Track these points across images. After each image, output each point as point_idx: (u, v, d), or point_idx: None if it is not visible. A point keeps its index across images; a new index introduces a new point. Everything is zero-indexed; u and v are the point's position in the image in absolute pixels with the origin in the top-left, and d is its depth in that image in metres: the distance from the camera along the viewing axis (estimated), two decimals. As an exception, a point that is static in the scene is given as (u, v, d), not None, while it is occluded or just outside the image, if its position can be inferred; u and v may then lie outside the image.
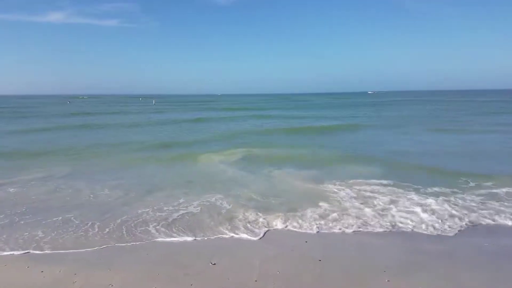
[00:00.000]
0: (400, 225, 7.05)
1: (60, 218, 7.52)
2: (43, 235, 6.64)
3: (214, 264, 5.50)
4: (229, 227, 7.02)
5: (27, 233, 6.71)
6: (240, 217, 7.52)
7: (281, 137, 21.33)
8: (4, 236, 6.61)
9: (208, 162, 13.51)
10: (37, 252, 6.01)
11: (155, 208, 8.10)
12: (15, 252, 5.99)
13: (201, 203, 8.42)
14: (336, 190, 9.23)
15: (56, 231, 6.86)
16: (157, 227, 7.06)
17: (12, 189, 9.71)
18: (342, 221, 7.21)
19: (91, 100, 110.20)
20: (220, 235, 6.70)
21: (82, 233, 6.80)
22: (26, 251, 6.02)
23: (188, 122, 33.03)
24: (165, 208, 8.06)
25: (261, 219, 7.38)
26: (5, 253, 5.97)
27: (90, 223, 7.25)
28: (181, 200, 8.62)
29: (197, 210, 7.99)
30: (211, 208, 8.07)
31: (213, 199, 8.65)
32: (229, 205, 8.22)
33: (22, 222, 7.33)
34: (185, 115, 42.92)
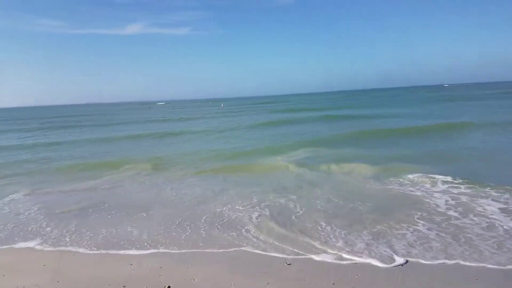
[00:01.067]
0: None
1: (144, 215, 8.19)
2: (132, 231, 7.27)
3: (289, 264, 5.55)
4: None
5: (117, 229, 7.40)
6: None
7: (394, 143, 17.12)
8: (102, 230, 7.34)
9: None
10: (125, 246, 6.54)
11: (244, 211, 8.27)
12: (104, 246, 6.57)
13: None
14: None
15: (145, 228, 7.45)
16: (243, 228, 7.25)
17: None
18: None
19: (167, 106, 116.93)
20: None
21: (166, 230, 7.29)
22: (115, 245, 6.60)
23: (266, 125, 30.22)
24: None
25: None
26: (93, 248, 6.61)
27: (176, 221, 7.73)
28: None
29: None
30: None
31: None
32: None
33: (111, 217, 8.11)
34: (258, 117, 40.98)
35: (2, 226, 7.87)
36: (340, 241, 6.32)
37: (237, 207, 8.47)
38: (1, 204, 9.56)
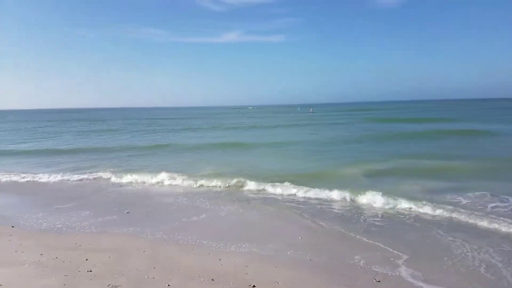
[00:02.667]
0: None
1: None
2: (224, 227, 7.79)
3: (379, 281, 5.43)
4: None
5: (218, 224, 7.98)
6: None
7: None
8: (199, 224, 7.99)
9: None
10: (215, 241, 6.99)
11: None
12: (199, 240, 7.10)
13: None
14: None
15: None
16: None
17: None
18: None
19: (258, 110, 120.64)
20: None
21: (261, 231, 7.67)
22: (207, 240, 7.08)
23: (391, 138, 25.47)
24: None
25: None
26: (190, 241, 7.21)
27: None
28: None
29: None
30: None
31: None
32: None
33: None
34: (367, 126, 37.36)
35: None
36: None
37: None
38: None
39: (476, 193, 10.04)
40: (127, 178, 12.98)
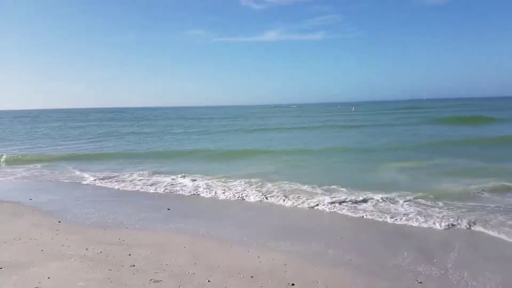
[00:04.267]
0: None
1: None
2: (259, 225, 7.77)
3: (421, 282, 5.17)
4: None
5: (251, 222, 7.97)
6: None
7: None
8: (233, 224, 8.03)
9: None
10: (254, 238, 6.98)
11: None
12: (239, 237, 7.12)
13: None
14: None
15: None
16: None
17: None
18: None
19: (296, 109, 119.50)
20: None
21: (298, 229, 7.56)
22: (247, 237, 7.09)
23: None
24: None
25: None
26: (231, 238, 7.23)
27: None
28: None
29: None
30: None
31: None
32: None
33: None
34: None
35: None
36: None
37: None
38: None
39: None
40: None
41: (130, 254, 6.21)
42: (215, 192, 10.86)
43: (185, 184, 12.16)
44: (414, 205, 8.92)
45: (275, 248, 6.53)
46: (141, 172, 14.37)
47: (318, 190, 10.52)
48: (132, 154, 21.10)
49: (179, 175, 13.34)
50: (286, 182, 11.73)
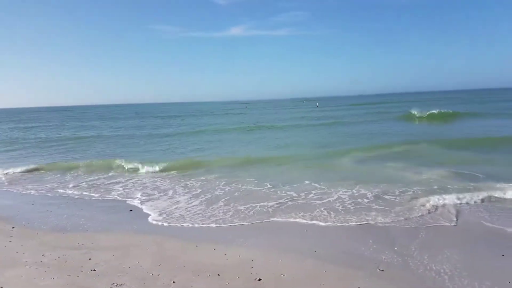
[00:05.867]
0: None
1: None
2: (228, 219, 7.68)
3: (382, 270, 5.31)
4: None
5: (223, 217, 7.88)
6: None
7: None
8: (197, 220, 7.90)
9: None
10: (222, 236, 6.92)
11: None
12: (205, 236, 7.04)
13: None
14: None
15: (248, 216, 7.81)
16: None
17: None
18: None
19: (267, 105, 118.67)
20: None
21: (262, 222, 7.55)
22: (213, 235, 7.01)
23: None
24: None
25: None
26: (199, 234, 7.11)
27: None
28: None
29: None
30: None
31: None
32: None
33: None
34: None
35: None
36: None
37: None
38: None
39: None
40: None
41: (90, 258, 5.96)
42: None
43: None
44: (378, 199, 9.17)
45: (242, 244, 6.49)
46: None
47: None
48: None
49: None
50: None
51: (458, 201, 8.33)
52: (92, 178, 13.00)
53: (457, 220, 7.33)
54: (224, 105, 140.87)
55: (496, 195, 8.54)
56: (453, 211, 7.79)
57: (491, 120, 27.34)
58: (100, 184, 12.10)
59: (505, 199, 8.30)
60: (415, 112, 32.48)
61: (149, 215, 8.46)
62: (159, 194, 10.31)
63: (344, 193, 9.52)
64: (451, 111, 32.14)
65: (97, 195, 10.62)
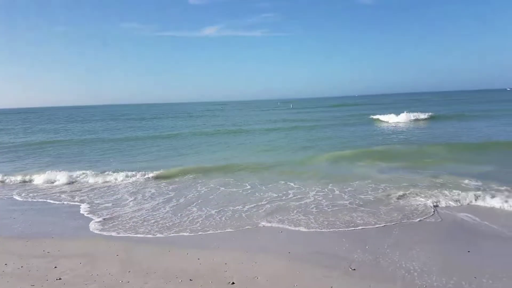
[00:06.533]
0: None
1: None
2: (205, 222, 7.57)
3: (354, 269, 5.36)
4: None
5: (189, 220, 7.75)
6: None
7: None
8: (167, 223, 7.76)
9: None
10: (195, 240, 6.82)
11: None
12: (177, 241, 6.91)
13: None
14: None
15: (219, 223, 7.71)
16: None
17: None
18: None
19: (240, 106, 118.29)
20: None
21: (237, 226, 7.48)
22: (185, 240, 6.89)
23: None
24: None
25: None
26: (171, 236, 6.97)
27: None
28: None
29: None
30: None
31: None
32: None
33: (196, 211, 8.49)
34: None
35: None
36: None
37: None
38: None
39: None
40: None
41: (56, 267, 5.72)
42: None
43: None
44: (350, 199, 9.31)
45: (216, 248, 6.39)
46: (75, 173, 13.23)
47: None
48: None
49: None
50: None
51: (425, 200, 8.56)
52: (55, 185, 12.38)
53: (425, 217, 7.52)
54: (200, 106, 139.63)
55: (460, 192, 8.84)
56: (421, 209, 8.00)
57: (463, 123, 28.20)
58: (65, 191, 11.48)
59: (467, 195, 8.58)
60: (378, 116, 34.38)
61: (118, 220, 8.23)
62: (129, 200, 9.99)
63: (318, 193, 9.69)
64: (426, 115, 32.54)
65: (61, 202, 10.20)
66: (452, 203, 8.27)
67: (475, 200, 8.34)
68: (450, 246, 6.14)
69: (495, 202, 8.08)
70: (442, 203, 8.30)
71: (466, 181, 9.83)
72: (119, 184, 11.96)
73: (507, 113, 34.19)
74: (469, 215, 7.54)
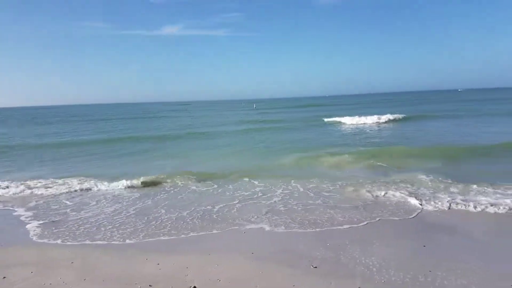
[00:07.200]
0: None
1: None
2: (162, 229, 7.38)
3: (315, 267, 5.42)
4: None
5: (145, 225, 7.52)
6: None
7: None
8: (128, 229, 7.49)
9: None
10: (155, 245, 6.63)
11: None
12: (136, 246, 6.68)
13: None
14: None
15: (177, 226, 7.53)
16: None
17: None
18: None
19: (207, 106, 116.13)
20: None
21: (196, 229, 7.35)
22: (146, 245, 6.69)
23: None
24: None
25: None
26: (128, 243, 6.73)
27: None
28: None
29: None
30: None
31: None
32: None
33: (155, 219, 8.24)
34: None
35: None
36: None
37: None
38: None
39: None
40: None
41: (4, 277, 5.38)
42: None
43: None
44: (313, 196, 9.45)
45: (177, 252, 6.23)
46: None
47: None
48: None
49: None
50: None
51: (384, 197, 8.87)
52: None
53: (385, 214, 7.75)
54: (162, 106, 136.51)
55: (416, 189, 9.22)
56: (381, 207, 8.25)
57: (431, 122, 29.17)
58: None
59: (421, 192, 8.96)
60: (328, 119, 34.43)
61: (71, 227, 7.82)
62: (83, 206, 9.47)
63: (283, 191, 9.82)
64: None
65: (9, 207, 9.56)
66: (410, 200, 8.56)
67: (432, 197, 8.68)
68: (407, 241, 6.34)
69: (448, 198, 8.48)
70: (400, 200, 8.59)
71: (420, 177, 10.32)
72: (65, 193, 10.97)
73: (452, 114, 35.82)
74: (427, 211, 7.85)
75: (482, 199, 8.22)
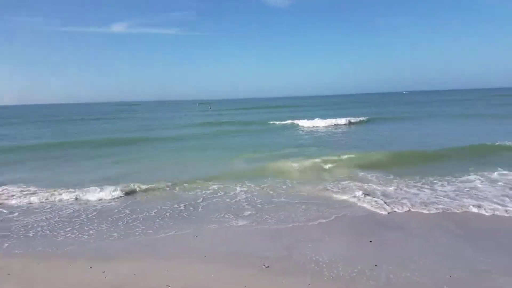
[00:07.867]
0: None
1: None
2: (113, 236, 7.03)
3: (267, 267, 5.43)
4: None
5: (89, 233, 7.14)
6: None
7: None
8: (72, 235, 7.07)
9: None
10: (100, 252, 6.30)
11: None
12: (80, 254, 6.30)
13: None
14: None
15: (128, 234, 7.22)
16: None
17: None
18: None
19: (159, 106, 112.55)
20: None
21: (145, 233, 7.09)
22: (88, 252, 6.34)
23: None
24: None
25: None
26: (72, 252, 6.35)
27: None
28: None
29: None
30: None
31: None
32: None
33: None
34: None
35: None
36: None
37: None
38: None
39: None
40: None
41: None
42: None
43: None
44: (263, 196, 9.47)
45: (124, 259, 5.96)
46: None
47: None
48: None
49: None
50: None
51: (335, 195, 9.10)
52: None
53: (337, 212, 7.93)
54: (109, 107, 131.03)
55: (363, 185, 9.55)
56: (331, 204, 8.46)
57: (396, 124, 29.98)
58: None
59: (368, 189, 9.31)
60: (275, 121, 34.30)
61: (11, 231, 7.28)
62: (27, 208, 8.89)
63: (239, 192, 9.77)
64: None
65: None
66: (360, 196, 8.83)
67: (379, 194, 9.03)
68: (354, 236, 6.54)
69: (395, 192, 8.88)
70: (349, 200, 8.82)
71: (367, 178, 10.70)
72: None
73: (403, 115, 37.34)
74: (374, 210, 8.10)
75: (418, 201, 8.44)
